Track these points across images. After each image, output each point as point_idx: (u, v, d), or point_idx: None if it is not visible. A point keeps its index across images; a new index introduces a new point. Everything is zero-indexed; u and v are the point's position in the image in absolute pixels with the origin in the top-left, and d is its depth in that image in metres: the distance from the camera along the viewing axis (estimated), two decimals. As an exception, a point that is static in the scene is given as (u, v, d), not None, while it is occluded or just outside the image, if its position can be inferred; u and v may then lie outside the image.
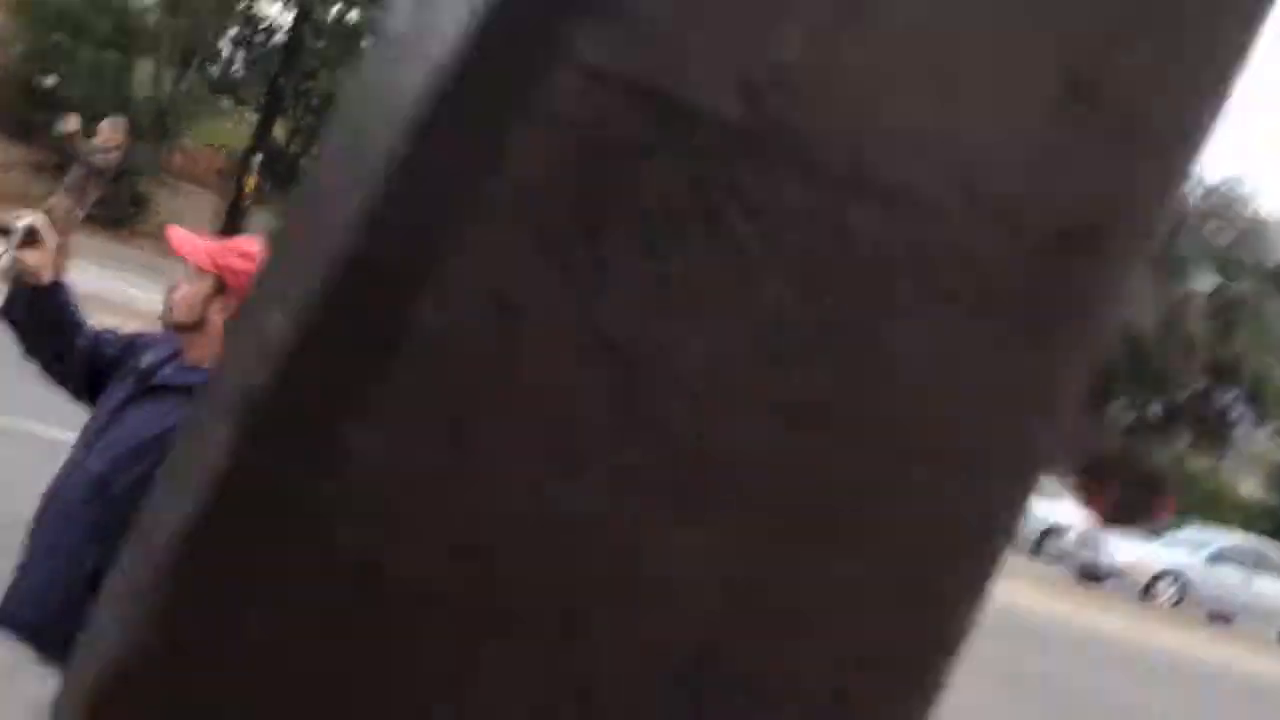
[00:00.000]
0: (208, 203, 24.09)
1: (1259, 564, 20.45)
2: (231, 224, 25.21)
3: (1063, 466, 30.97)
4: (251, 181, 24.90)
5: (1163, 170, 0.64)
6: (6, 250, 2.57)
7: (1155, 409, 32.80)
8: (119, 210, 19.74)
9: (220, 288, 2.48)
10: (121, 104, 17.36)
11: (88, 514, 2.38)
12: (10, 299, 2.61)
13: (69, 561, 2.36)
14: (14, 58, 21.26)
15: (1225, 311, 29.72)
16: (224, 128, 25.18)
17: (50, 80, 21.02)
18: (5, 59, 21.02)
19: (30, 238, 2.53)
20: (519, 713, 0.59)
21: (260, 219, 25.36)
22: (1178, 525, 22.82)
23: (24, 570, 2.50)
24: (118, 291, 13.54)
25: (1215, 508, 29.13)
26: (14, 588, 2.49)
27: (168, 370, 2.50)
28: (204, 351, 2.45)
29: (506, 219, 0.56)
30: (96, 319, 2.68)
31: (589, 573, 0.59)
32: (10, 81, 20.86)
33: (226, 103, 27.26)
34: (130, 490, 2.30)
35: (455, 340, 0.56)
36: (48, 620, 2.36)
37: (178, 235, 2.63)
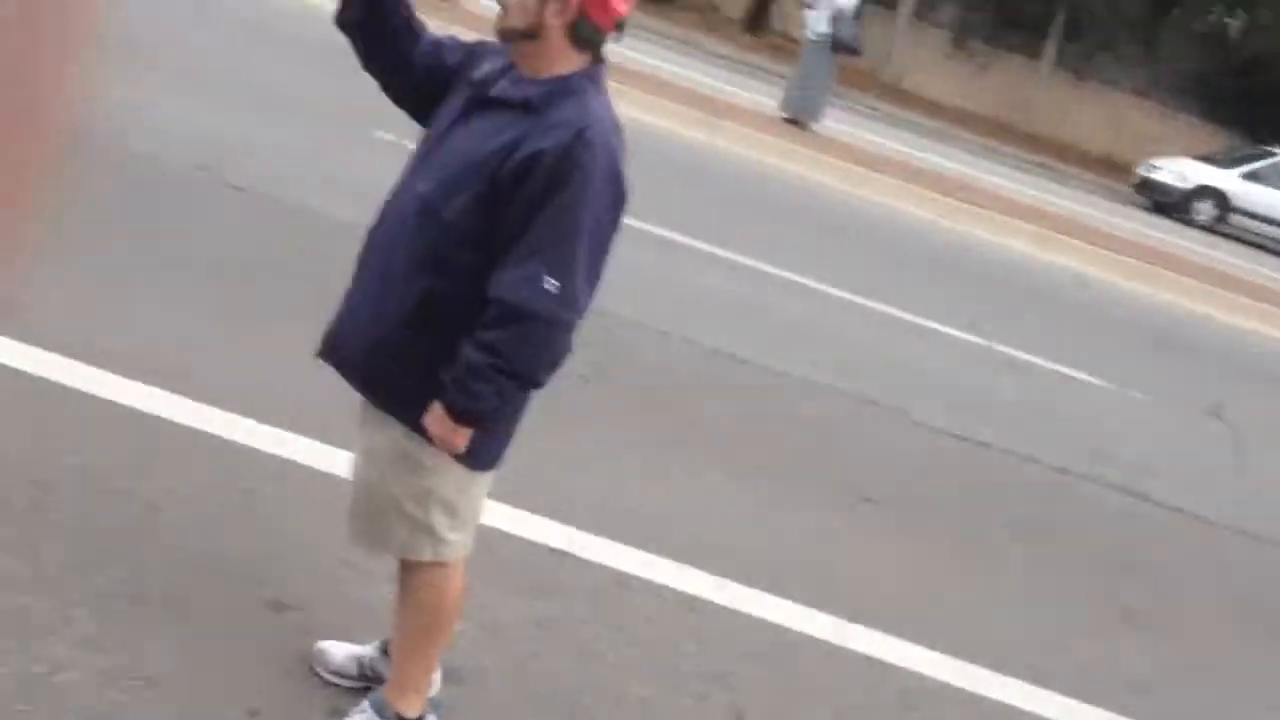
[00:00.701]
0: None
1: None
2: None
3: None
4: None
5: None
6: None
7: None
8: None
9: None
10: None
11: (417, 240, 2.19)
12: (344, 2, 2.32)
13: (398, 290, 2.20)
14: None
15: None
16: None
17: None
18: None
19: None
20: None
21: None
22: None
23: (351, 300, 2.28)
24: (648, 66, 12.84)
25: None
26: (340, 320, 2.28)
27: (503, 83, 2.22)
28: (538, 62, 2.19)
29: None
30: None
31: None
32: None
33: None
34: (460, 215, 2.14)
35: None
36: (373, 357, 2.25)
37: None
